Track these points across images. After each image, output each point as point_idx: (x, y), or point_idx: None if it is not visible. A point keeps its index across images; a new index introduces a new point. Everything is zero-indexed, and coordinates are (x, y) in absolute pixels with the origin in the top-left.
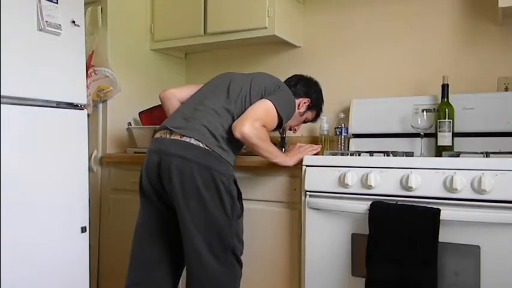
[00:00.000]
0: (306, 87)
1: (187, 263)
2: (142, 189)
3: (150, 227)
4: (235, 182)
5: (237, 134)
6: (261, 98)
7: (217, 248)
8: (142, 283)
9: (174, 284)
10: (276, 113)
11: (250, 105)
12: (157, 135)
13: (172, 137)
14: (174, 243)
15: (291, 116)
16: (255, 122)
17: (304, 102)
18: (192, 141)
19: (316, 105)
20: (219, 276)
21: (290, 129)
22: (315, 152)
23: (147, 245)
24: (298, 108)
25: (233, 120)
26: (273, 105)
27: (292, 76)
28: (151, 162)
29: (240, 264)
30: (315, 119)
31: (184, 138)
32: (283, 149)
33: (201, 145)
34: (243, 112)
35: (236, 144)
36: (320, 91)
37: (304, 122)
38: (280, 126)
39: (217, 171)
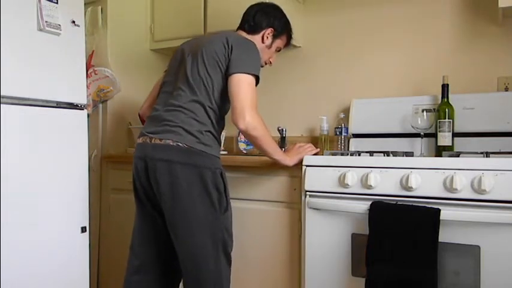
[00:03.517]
0: (266, 17)
1: (181, 263)
2: (136, 193)
3: (147, 230)
4: (221, 175)
5: (242, 126)
6: (219, 67)
7: (208, 244)
8: (140, 286)
9: (173, 286)
10: (253, 79)
11: (211, 81)
12: (140, 140)
13: (153, 142)
14: (171, 245)
15: (260, 63)
16: (252, 110)
17: (268, 33)
18: (172, 143)
19: (282, 31)
20: (214, 274)
21: (265, 63)
22: (314, 152)
23: (144, 248)
24: (263, 42)
25: (204, 108)
26: (247, 75)
27: (248, 8)
28: (139, 168)
29: (230, 261)
30: (287, 43)
31: (163, 142)
32: (283, 149)
33: (180, 145)
34: (209, 94)
35: (216, 133)
36: (281, 13)
37: (278, 50)
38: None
39: (202, 166)
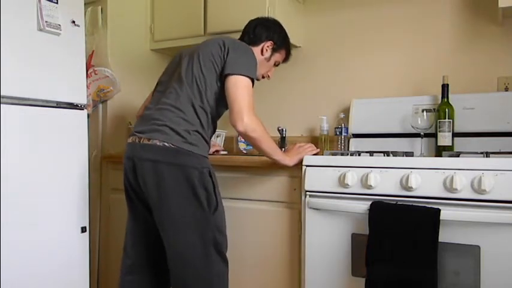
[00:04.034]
0: (266, 30)
1: (170, 262)
2: (127, 193)
3: (139, 230)
4: (210, 174)
5: (240, 128)
6: (214, 68)
7: (197, 243)
8: (133, 286)
9: (166, 286)
10: (250, 81)
11: (204, 80)
12: (129, 140)
13: (141, 142)
14: (163, 245)
15: (256, 67)
16: (250, 112)
17: (268, 46)
18: (159, 143)
19: (281, 45)
20: (203, 274)
21: (263, 77)
22: (314, 152)
23: (136, 248)
24: (262, 54)
25: (194, 108)
26: (244, 77)
27: (249, 22)
28: (128, 168)
29: (225, 260)
30: (286, 59)
31: (151, 142)
32: (283, 149)
33: (166, 144)
34: (201, 93)
35: (205, 133)
36: (281, 28)
37: (276, 65)
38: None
39: (189, 166)
